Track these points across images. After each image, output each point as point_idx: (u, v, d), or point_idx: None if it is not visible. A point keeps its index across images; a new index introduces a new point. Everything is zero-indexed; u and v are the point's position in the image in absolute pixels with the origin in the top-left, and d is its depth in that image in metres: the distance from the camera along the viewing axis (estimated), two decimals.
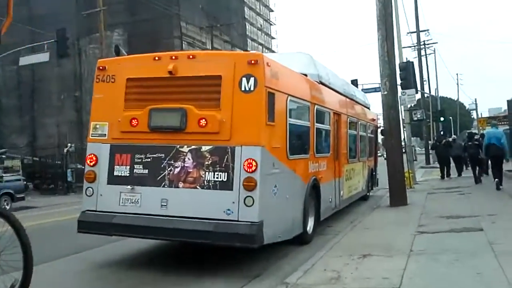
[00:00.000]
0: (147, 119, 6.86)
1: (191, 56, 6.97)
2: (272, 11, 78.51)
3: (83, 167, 32.06)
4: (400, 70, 16.36)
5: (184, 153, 6.67)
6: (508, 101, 24.81)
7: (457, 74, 64.12)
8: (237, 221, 6.25)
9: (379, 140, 17.36)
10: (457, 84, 61.93)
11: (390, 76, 12.20)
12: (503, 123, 38.53)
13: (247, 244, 6.25)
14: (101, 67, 7.33)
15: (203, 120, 6.56)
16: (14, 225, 4.29)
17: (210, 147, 6.54)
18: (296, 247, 7.86)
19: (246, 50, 51.63)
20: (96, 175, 7.12)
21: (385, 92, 12.11)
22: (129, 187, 6.87)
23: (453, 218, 9.41)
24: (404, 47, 31.52)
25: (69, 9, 35.54)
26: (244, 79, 6.45)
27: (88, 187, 7.15)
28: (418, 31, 38.99)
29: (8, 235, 4.27)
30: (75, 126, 41.40)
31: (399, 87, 15.58)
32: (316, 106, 8.80)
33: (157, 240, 7.87)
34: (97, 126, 7.27)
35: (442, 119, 38.19)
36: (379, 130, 15.71)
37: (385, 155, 13.29)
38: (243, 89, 6.45)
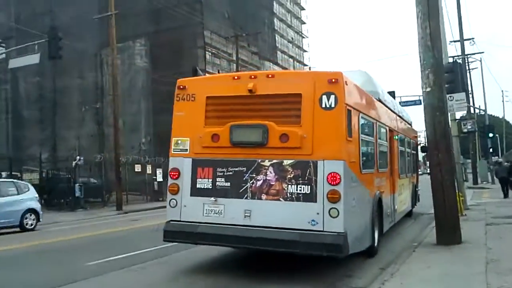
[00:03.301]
0: (228, 134, 7.26)
1: (270, 75, 7.40)
2: (304, 23, 75.54)
3: (95, 182, 28.02)
4: (445, 72, 13.38)
5: (266, 167, 7.06)
6: None
7: (502, 91, 58.91)
8: (323, 231, 6.60)
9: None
10: (503, 101, 58.44)
11: (435, 67, 9.13)
12: None
13: (334, 254, 6.63)
14: (181, 86, 7.78)
15: (284, 135, 6.95)
16: None
17: (292, 161, 6.92)
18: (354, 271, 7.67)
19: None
20: (179, 188, 7.54)
21: (428, 89, 9.16)
22: (212, 198, 7.27)
23: None
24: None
25: (91, 19, 35.73)
26: (324, 97, 6.82)
27: (171, 199, 7.59)
28: (462, 40, 33.92)
29: None
30: (96, 139, 41.94)
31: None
32: (378, 123, 9.21)
33: (239, 248, 8.22)
34: (179, 142, 7.70)
35: (491, 135, 35.60)
36: (419, 147, 16.05)
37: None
38: (323, 106, 6.83)
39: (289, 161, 6.95)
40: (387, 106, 10.76)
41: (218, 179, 7.34)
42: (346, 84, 7.03)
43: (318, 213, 6.67)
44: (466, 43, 34.52)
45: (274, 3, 63.30)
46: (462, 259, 7.61)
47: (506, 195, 20.95)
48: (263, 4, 57.46)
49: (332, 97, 6.81)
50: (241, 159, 7.23)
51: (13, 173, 34.82)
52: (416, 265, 7.30)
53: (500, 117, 64.11)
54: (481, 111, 43.63)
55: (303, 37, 74.58)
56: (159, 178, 32.75)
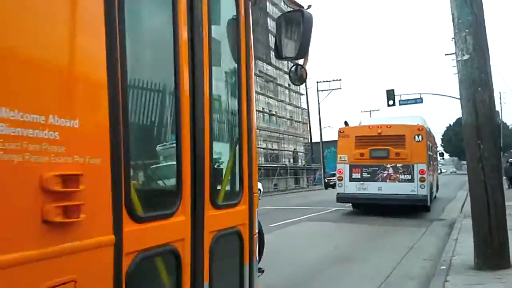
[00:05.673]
0: (369, 153, 15.78)
1: (388, 126, 15.94)
2: None
3: None
4: None
5: (388, 167, 15.64)
6: None
7: (499, 92, 57.23)
8: (417, 194, 15.31)
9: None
10: (500, 103, 56.33)
11: (475, 26, 7.08)
12: None
13: (423, 204, 15.41)
14: (341, 131, 16.31)
15: (398, 153, 15.53)
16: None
17: (402, 164, 15.54)
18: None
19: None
20: (343, 178, 16.03)
21: (466, 56, 7.09)
22: (361, 182, 15.79)
23: None
24: (448, 54, 35.26)
25: None
26: (416, 136, 15.48)
27: (339, 183, 16.14)
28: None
29: None
30: None
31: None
32: (430, 144, 17.95)
33: (376, 204, 16.41)
34: (341, 157, 16.20)
35: None
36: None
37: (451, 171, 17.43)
38: (416, 140, 15.48)
39: (400, 165, 15.57)
40: (429, 131, 19.54)
41: (363, 173, 15.87)
42: (426, 129, 15.79)
43: (415, 187, 15.34)
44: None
45: (268, 3, 63.62)
46: None
47: None
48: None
49: (420, 136, 15.51)
50: (375, 164, 15.78)
51: None
52: None
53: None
54: None
55: None
56: None
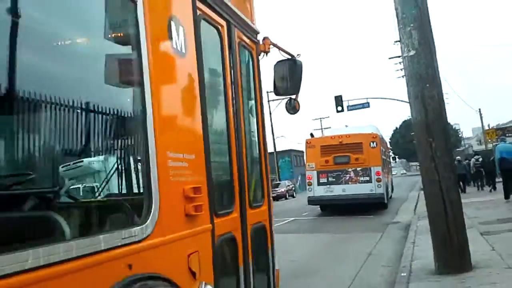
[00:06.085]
0: (333, 159, 18.22)
1: (348, 136, 18.47)
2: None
3: None
4: None
5: (350, 171, 18.13)
6: None
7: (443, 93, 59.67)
8: (375, 193, 17.86)
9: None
10: (444, 103, 64.28)
11: (420, 21, 6.94)
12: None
13: (381, 201, 17.99)
14: (308, 142, 18.69)
15: (357, 158, 18.04)
16: None
17: (361, 168, 18.06)
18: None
19: None
20: (312, 183, 18.39)
21: (412, 52, 6.93)
22: (328, 186, 18.21)
23: None
24: (391, 58, 35.89)
25: None
26: (371, 143, 18.09)
27: (309, 187, 18.50)
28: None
29: None
30: None
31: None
32: (383, 148, 20.67)
33: (341, 204, 18.70)
34: (309, 164, 18.58)
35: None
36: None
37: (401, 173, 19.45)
38: (371, 146, 18.08)
39: (359, 168, 18.09)
40: (382, 138, 22.24)
41: (329, 178, 18.30)
42: (379, 137, 18.50)
43: (373, 187, 17.86)
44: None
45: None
46: None
47: (463, 191, 21.67)
48: None
49: (375, 143, 18.13)
50: (339, 169, 18.23)
51: None
52: None
53: None
54: None
55: None
56: None
